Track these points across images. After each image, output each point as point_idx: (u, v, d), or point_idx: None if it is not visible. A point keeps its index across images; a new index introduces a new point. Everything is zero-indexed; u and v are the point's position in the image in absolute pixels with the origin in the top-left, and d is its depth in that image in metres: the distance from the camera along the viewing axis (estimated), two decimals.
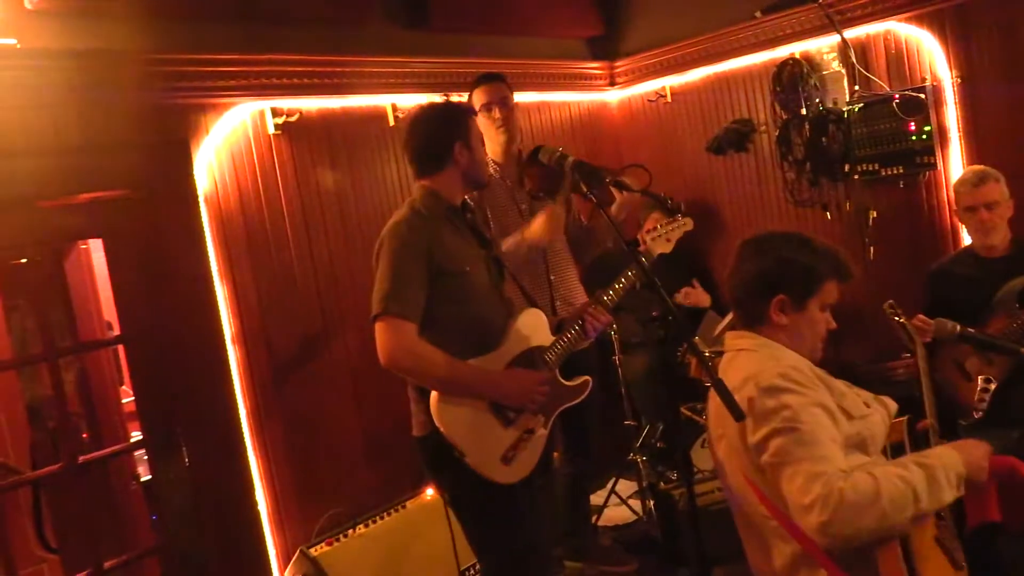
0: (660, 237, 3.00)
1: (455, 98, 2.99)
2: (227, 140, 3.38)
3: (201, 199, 3.28)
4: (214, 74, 3.30)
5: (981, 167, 3.23)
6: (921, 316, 2.70)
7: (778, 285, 1.94)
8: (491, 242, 2.70)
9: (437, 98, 2.85)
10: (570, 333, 2.69)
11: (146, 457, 3.40)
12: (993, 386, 2.79)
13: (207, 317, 3.29)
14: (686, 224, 3.07)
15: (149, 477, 3.44)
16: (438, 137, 2.59)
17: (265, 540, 3.40)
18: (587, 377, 2.75)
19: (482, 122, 3.34)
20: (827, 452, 1.64)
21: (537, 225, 3.21)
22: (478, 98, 3.43)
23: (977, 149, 3.88)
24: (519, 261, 3.17)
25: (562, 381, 2.69)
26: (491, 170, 3.29)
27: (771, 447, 1.66)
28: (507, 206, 3.42)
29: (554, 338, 2.69)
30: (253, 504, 3.37)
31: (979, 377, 2.82)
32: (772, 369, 1.77)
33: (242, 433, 3.36)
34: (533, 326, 2.67)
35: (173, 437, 3.19)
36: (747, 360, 1.87)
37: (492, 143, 3.40)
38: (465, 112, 2.66)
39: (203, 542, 3.21)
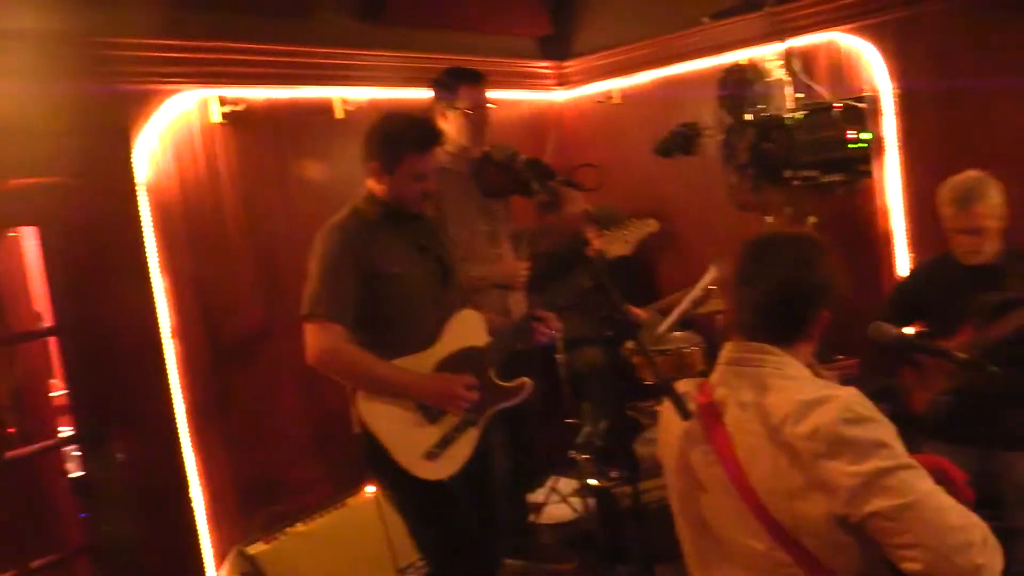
0: (618, 238, 2.99)
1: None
2: (170, 128, 3.30)
3: (141, 188, 3.19)
4: (158, 60, 3.21)
5: (970, 177, 2.79)
6: None
7: (827, 296, 1.70)
8: (429, 248, 2.70)
9: (391, 93, 2.79)
10: (509, 337, 2.72)
11: (77, 453, 3.29)
12: (946, 397, 2.74)
13: (144, 310, 3.21)
14: (648, 225, 3.06)
15: (80, 474, 3.33)
16: (384, 148, 2.59)
17: (200, 538, 3.33)
18: (525, 379, 2.76)
19: (459, 118, 3.34)
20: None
21: (506, 273, 3.37)
22: (468, 95, 3.37)
23: (912, 160, 4.01)
24: (486, 287, 3.27)
25: (497, 382, 2.70)
26: (446, 162, 3.28)
27: (891, 485, 1.44)
28: (463, 201, 3.40)
29: (490, 339, 2.71)
30: (188, 501, 3.30)
31: (935, 387, 2.78)
32: (847, 395, 1.54)
33: (178, 429, 3.29)
34: (468, 327, 2.70)
35: (106, 432, 3.10)
36: (794, 382, 1.63)
37: (462, 138, 3.38)
38: (417, 143, 2.59)
39: (136, 540, 3.13)
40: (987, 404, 2.69)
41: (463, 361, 2.63)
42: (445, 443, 2.55)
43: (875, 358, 2.95)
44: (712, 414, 1.70)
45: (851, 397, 1.54)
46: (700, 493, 1.72)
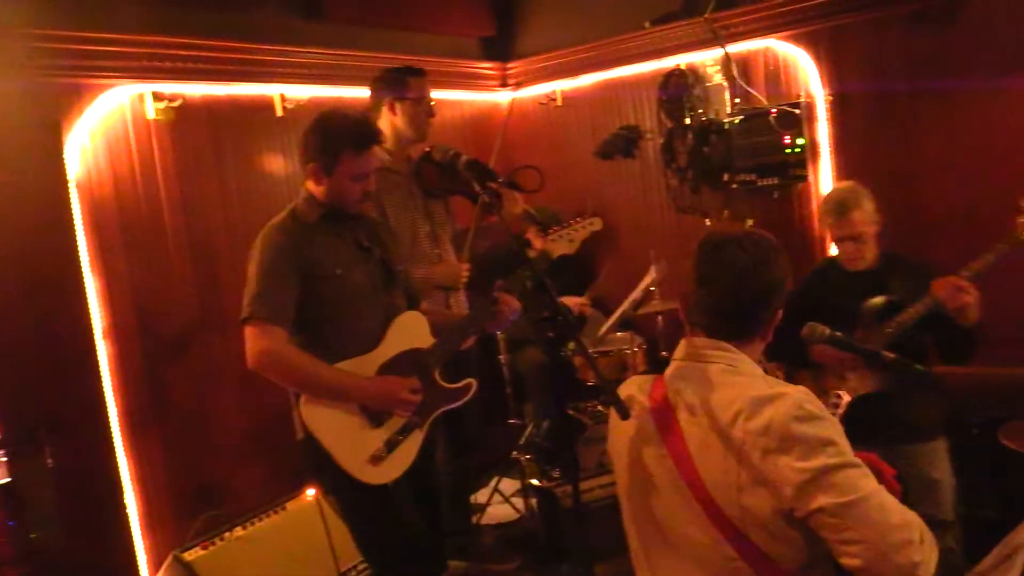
0: (562, 237, 2.98)
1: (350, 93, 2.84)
2: (103, 123, 3.22)
3: (72, 185, 3.11)
4: (90, 53, 3.13)
5: (843, 188, 2.99)
6: None
7: (781, 296, 1.74)
8: (371, 249, 2.66)
9: (332, 92, 2.73)
10: (456, 335, 2.69)
11: (3, 459, 3.18)
12: (845, 400, 2.84)
13: (76, 310, 3.14)
14: (593, 224, 3.05)
15: (7, 480, 3.22)
16: (321, 149, 2.54)
17: (135, 545, 3.26)
18: (471, 380, 2.75)
19: (409, 109, 3.34)
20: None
21: (447, 275, 3.37)
22: (416, 86, 3.37)
23: (845, 165, 4.12)
24: (428, 288, 3.24)
25: (442, 384, 2.68)
26: (387, 162, 3.27)
27: (837, 482, 1.47)
28: (404, 201, 3.38)
29: (434, 340, 2.69)
30: (122, 507, 3.23)
31: (832, 392, 2.86)
32: (798, 393, 1.57)
33: (111, 432, 3.22)
34: (412, 329, 2.67)
35: (35, 437, 3.00)
36: (747, 379, 1.66)
37: (409, 130, 3.38)
38: (354, 142, 2.54)
39: (67, 549, 3.04)
40: (883, 402, 2.80)
41: (407, 363, 2.60)
42: (390, 447, 2.52)
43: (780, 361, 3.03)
44: (665, 410, 1.72)
45: (801, 395, 1.57)
46: (651, 490, 1.73)
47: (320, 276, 2.50)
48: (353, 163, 2.53)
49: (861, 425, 2.80)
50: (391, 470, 2.52)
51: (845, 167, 4.12)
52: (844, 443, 1.53)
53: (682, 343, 1.78)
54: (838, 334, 2.31)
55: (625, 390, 1.87)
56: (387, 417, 2.53)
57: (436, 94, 3.50)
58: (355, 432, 2.49)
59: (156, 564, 3.24)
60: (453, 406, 2.71)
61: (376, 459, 2.49)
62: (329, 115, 2.61)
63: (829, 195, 3.00)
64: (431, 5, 4.64)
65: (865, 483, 1.50)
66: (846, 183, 3.05)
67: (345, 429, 2.48)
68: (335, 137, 2.53)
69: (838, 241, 2.98)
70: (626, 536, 1.88)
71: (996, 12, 3.62)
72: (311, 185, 2.59)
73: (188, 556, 3.05)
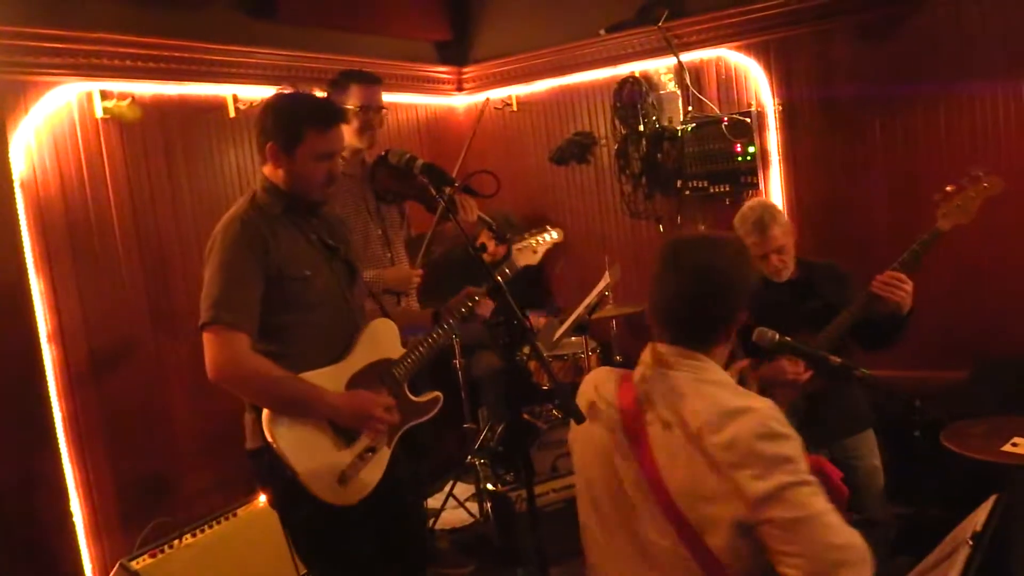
0: (526, 248, 2.95)
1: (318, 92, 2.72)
2: (49, 122, 3.15)
3: (16, 184, 3.04)
4: (36, 49, 3.06)
5: (757, 207, 3.00)
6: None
7: (745, 299, 1.75)
8: (337, 247, 2.49)
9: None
10: (423, 345, 2.58)
11: None
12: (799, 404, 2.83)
13: (19, 313, 3.06)
14: (556, 236, 3.04)
15: None
16: (283, 125, 2.32)
17: (80, 553, 3.19)
18: (437, 393, 2.62)
19: (350, 118, 3.24)
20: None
21: (398, 278, 3.34)
22: (358, 96, 3.26)
23: (794, 172, 4.21)
24: (378, 291, 3.14)
25: (410, 397, 2.54)
26: (340, 166, 3.23)
27: (790, 498, 1.52)
28: (356, 204, 3.35)
29: (404, 351, 2.56)
30: (67, 515, 3.16)
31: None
32: (764, 408, 1.60)
33: (56, 438, 3.15)
34: (383, 337, 2.53)
35: None
36: (716, 388, 1.68)
37: (352, 138, 3.30)
38: (319, 118, 2.33)
39: (9, 558, 2.96)
40: (820, 401, 2.84)
41: (376, 375, 2.44)
42: (357, 466, 2.34)
43: None
44: (634, 414, 1.73)
45: (767, 411, 1.60)
46: (612, 491, 1.75)
47: (288, 277, 2.30)
48: (318, 142, 2.31)
49: (804, 426, 2.88)
50: (359, 490, 2.36)
51: (794, 174, 4.21)
52: (802, 460, 1.58)
53: (648, 348, 1.79)
54: (787, 339, 2.36)
55: (585, 387, 1.88)
56: (357, 435, 2.36)
57: (391, 97, 3.48)
58: (323, 449, 2.30)
59: (103, 573, 3.18)
60: (421, 420, 2.58)
61: (344, 479, 2.32)
62: (288, 92, 2.42)
63: (744, 216, 3.00)
64: (386, 8, 4.63)
65: (815, 501, 1.54)
66: (755, 201, 3.08)
67: (312, 445, 2.28)
68: (298, 113, 2.31)
69: (762, 258, 2.97)
70: (580, 538, 1.91)
71: (939, 23, 3.74)
72: (269, 170, 2.38)
73: (136, 565, 2.98)
